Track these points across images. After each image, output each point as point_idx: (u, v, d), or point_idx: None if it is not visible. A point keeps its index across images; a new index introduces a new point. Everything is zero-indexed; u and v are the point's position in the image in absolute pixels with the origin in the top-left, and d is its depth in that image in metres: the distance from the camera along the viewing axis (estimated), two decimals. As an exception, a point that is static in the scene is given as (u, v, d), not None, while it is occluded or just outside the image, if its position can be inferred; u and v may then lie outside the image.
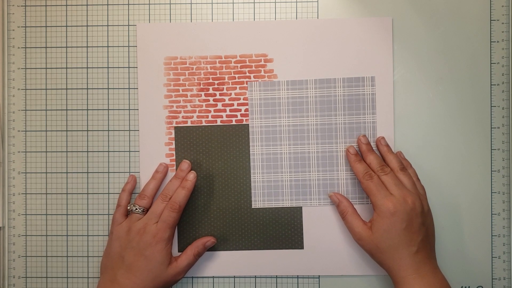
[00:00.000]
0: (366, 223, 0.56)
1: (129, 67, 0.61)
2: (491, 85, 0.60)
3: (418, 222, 0.54)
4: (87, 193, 0.62)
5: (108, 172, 0.62)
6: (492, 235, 0.60)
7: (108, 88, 0.61)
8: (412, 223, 0.54)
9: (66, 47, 0.62)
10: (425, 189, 0.58)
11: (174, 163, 0.61)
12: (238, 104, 0.61)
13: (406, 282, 0.53)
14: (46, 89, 0.62)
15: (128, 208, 0.59)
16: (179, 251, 0.60)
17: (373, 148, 0.59)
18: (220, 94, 0.61)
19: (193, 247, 0.59)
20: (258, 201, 0.60)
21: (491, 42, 0.60)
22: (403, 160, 0.59)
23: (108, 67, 0.61)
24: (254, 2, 0.61)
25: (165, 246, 0.57)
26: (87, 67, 0.62)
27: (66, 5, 0.62)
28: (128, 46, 0.61)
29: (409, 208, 0.54)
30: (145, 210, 0.58)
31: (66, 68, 0.62)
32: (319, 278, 0.61)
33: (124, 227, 0.58)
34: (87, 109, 0.62)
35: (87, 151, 0.62)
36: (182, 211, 0.58)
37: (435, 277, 0.53)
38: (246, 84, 0.61)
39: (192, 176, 0.59)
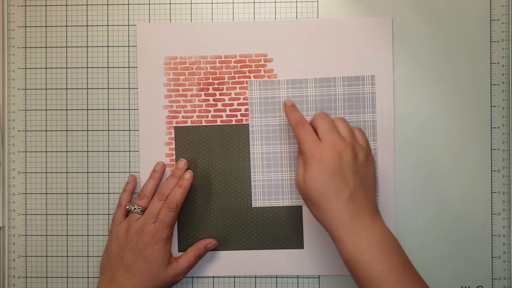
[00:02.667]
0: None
1: (129, 67, 0.61)
2: (491, 85, 0.60)
3: (350, 170, 0.50)
4: (87, 193, 0.62)
5: (108, 172, 0.62)
6: (492, 235, 0.60)
7: (108, 88, 0.62)
8: (342, 171, 0.50)
9: (66, 47, 0.62)
10: (368, 142, 0.55)
11: (174, 163, 0.61)
12: (238, 104, 0.61)
13: (340, 238, 0.49)
14: (46, 89, 0.62)
15: (127, 207, 0.59)
16: (179, 251, 0.60)
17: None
18: (220, 94, 0.61)
19: (194, 249, 0.59)
20: (258, 200, 0.60)
21: (491, 42, 0.60)
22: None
23: (108, 67, 0.62)
24: (254, 2, 0.61)
25: (164, 246, 0.56)
26: (87, 67, 0.62)
27: (66, 5, 0.62)
28: (128, 46, 0.61)
29: (337, 156, 0.50)
30: (144, 210, 0.58)
31: (66, 68, 0.62)
32: (319, 278, 0.61)
33: (123, 227, 0.58)
34: (87, 109, 0.62)
35: (87, 151, 0.62)
36: (180, 210, 0.58)
37: (373, 230, 0.49)
38: (246, 84, 0.61)
39: (189, 175, 0.59)
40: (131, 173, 0.61)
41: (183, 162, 0.60)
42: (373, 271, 0.48)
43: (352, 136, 0.53)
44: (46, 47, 0.62)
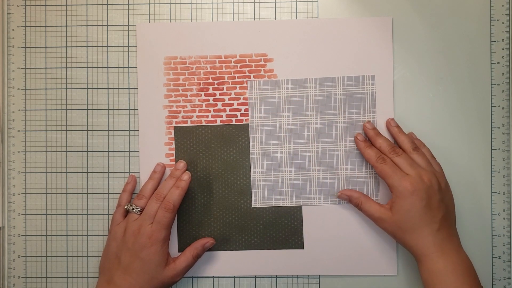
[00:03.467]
0: (383, 205, 0.56)
1: (129, 67, 0.61)
2: (491, 85, 0.60)
3: (437, 199, 0.54)
4: (87, 193, 0.62)
5: (108, 172, 0.62)
6: (492, 235, 0.60)
7: (108, 88, 0.61)
8: (431, 200, 0.53)
9: (66, 47, 0.62)
10: (441, 166, 0.58)
11: (174, 163, 0.61)
12: (238, 104, 0.61)
13: (430, 259, 0.53)
14: (46, 89, 0.62)
15: (125, 208, 0.58)
16: (179, 251, 0.60)
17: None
18: (220, 94, 0.61)
19: (191, 249, 0.59)
20: (258, 200, 0.60)
21: (491, 42, 0.60)
22: (416, 140, 0.59)
23: (108, 67, 0.62)
24: (254, 2, 0.61)
25: (161, 247, 0.56)
26: (87, 67, 0.62)
27: (66, 5, 0.62)
28: (128, 46, 0.61)
29: (426, 186, 0.53)
30: (142, 210, 0.58)
31: (66, 68, 0.62)
32: (319, 278, 0.61)
33: (122, 227, 0.58)
34: (87, 109, 0.62)
35: (87, 151, 0.62)
36: (180, 210, 0.58)
37: (458, 256, 0.53)
38: (246, 83, 0.61)
39: (186, 176, 0.59)
40: (131, 173, 0.61)
41: (182, 164, 0.60)
42: None
43: (430, 165, 0.56)
44: (46, 47, 0.62)
